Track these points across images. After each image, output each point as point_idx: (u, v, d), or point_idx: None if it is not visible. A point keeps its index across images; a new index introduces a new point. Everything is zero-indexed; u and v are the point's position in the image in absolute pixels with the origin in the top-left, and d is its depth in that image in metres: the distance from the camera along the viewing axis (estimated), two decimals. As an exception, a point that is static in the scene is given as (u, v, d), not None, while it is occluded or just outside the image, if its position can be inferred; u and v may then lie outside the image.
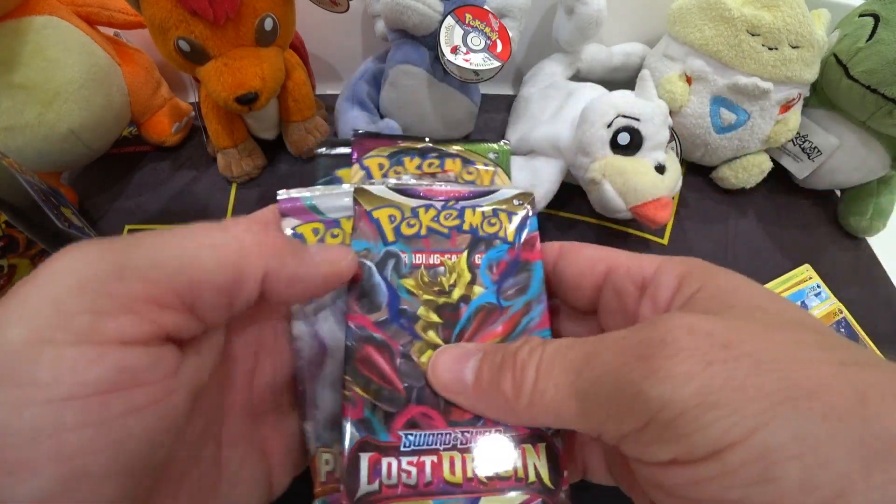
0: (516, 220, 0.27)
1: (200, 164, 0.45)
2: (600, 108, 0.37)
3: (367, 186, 0.25)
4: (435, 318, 0.24)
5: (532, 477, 0.22)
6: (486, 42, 0.38)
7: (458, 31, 0.38)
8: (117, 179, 0.44)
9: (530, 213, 0.27)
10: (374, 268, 0.24)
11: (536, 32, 0.52)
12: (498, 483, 0.22)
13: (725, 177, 0.48)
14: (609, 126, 0.36)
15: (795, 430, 0.13)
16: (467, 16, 0.38)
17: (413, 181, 0.26)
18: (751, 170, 0.46)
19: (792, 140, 0.47)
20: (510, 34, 0.39)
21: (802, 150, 0.47)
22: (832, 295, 0.44)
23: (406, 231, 0.25)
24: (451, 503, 0.21)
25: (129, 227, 0.41)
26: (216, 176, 0.44)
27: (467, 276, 0.25)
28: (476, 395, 0.19)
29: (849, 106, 0.42)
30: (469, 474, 0.21)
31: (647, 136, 0.37)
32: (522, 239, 0.27)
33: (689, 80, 0.44)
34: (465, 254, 0.25)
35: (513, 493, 0.21)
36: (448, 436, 0.22)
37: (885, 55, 0.37)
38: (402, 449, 0.21)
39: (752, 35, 0.40)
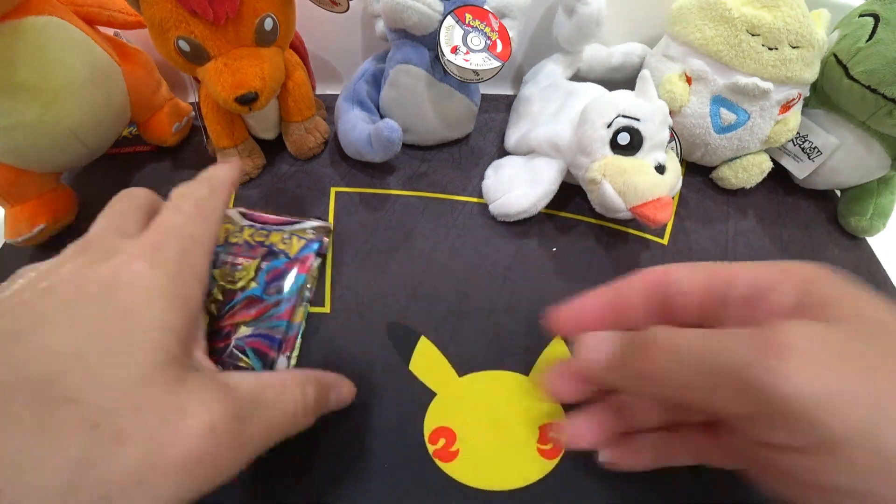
0: (302, 243, 0.37)
1: (200, 164, 0.45)
2: (600, 108, 0.37)
3: (228, 212, 0.37)
4: (219, 296, 0.34)
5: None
6: (486, 42, 0.38)
7: (458, 31, 0.38)
8: (117, 179, 0.44)
9: (318, 241, 0.38)
10: None
11: (536, 32, 0.52)
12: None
13: (725, 177, 0.48)
14: (609, 126, 0.37)
15: None
16: (467, 16, 0.38)
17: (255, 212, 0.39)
18: (751, 170, 0.46)
19: (792, 140, 0.47)
20: (510, 34, 0.39)
21: (802, 150, 0.47)
22: (832, 295, 0.44)
23: (231, 240, 0.36)
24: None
25: (129, 227, 0.41)
26: (216, 176, 0.44)
27: (251, 275, 0.35)
28: (609, 371, 0.23)
29: (849, 106, 0.42)
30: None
31: (647, 136, 0.37)
32: (300, 257, 0.37)
33: (689, 80, 0.44)
34: (257, 260, 0.36)
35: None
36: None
37: (885, 55, 0.37)
38: None
39: (752, 35, 0.40)
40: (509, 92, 0.56)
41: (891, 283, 0.47)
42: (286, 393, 0.22)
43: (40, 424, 0.15)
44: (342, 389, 0.27)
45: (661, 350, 0.20)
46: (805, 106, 0.46)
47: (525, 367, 0.36)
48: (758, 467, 0.19)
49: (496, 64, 0.38)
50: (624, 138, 0.36)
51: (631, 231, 0.45)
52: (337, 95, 0.46)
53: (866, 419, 0.15)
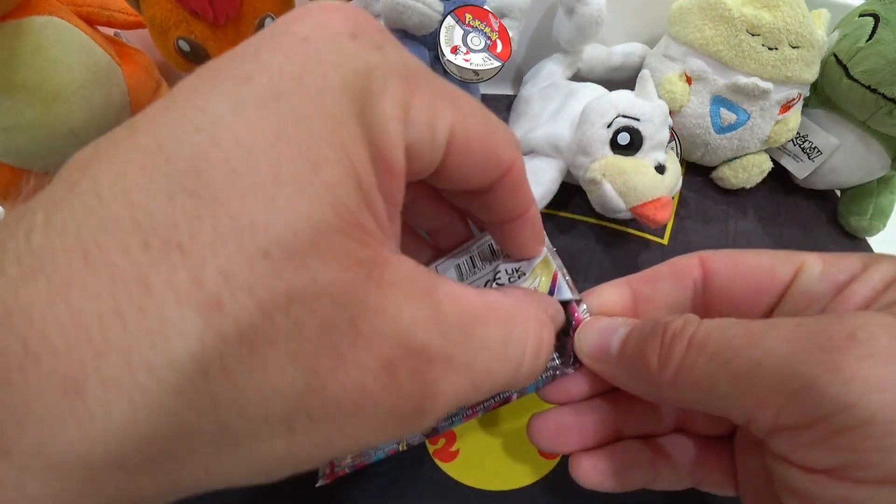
0: None
1: (200, 164, 0.45)
2: (600, 108, 0.37)
3: None
4: None
5: None
6: (486, 42, 0.38)
7: (458, 31, 0.38)
8: (117, 179, 0.44)
9: None
10: None
11: (536, 32, 0.52)
12: None
13: (725, 177, 0.48)
14: (609, 126, 0.37)
15: None
16: (467, 16, 0.38)
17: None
18: (751, 170, 0.46)
19: (792, 140, 0.47)
20: (510, 34, 0.39)
21: (802, 150, 0.47)
22: (832, 295, 0.44)
23: None
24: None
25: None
26: (216, 176, 0.44)
27: None
28: (620, 364, 0.18)
29: (849, 106, 0.42)
30: None
31: (647, 136, 0.37)
32: None
33: (689, 80, 0.44)
34: None
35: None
36: None
37: (885, 55, 0.37)
38: None
39: (752, 35, 0.40)
40: (509, 92, 0.56)
41: (891, 283, 0.47)
42: (516, 330, 0.13)
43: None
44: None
45: (685, 341, 0.15)
46: (805, 106, 0.46)
47: (525, 367, 0.36)
48: (784, 493, 0.15)
49: (496, 64, 0.38)
50: (624, 138, 0.36)
51: (631, 231, 0.45)
52: (337, 95, 0.46)
53: None
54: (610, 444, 0.21)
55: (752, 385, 0.13)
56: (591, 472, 0.20)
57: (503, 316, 0.13)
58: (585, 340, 0.19)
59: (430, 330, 0.11)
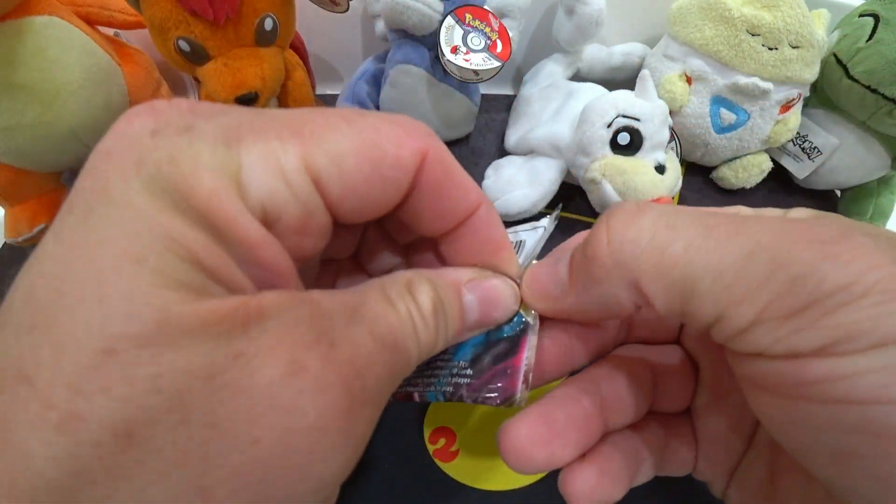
0: None
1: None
2: (600, 108, 0.37)
3: None
4: None
5: None
6: (486, 42, 0.38)
7: (458, 31, 0.38)
8: (117, 179, 0.44)
9: None
10: None
11: (536, 32, 0.52)
12: None
13: (725, 177, 0.48)
14: (609, 126, 0.37)
15: None
16: (467, 16, 0.38)
17: None
18: (751, 170, 0.46)
19: (792, 140, 0.47)
20: (510, 34, 0.39)
21: (802, 150, 0.47)
22: (832, 295, 0.44)
23: None
24: None
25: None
26: (216, 176, 0.44)
27: None
28: (573, 282, 0.16)
29: (849, 106, 0.42)
30: None
31: (647, 136, 0.37)
32: None
33: (689, 80, 0.44)
34: None
35: None
36: None
37: (885, 55, 0.37)
38: None
39: (752, 35, 0.40)
40: (509, 92, 0.56)
41: (891, 283, 0.47)
42: (391, 297, 0.14)
43: None
44: (489, 291, 0.17)
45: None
46: (805, 106, 0.46)
47: (525, 367, 0.36)
48: (756, 394, 0.14)
49: (496, 64, 0.38)
50: (624, 138, 0.36)
51: (631, 231, 0.45)
52: (337, 95, 0.46)
53: None
54: (595, 448, 0.18)
55: (738, 275, 0.13)
56: (587, 486, 0.17)
57: (374, 288, 0.14)
58: (532, 285, 0.17)
59: (319, 322, 0.12)
